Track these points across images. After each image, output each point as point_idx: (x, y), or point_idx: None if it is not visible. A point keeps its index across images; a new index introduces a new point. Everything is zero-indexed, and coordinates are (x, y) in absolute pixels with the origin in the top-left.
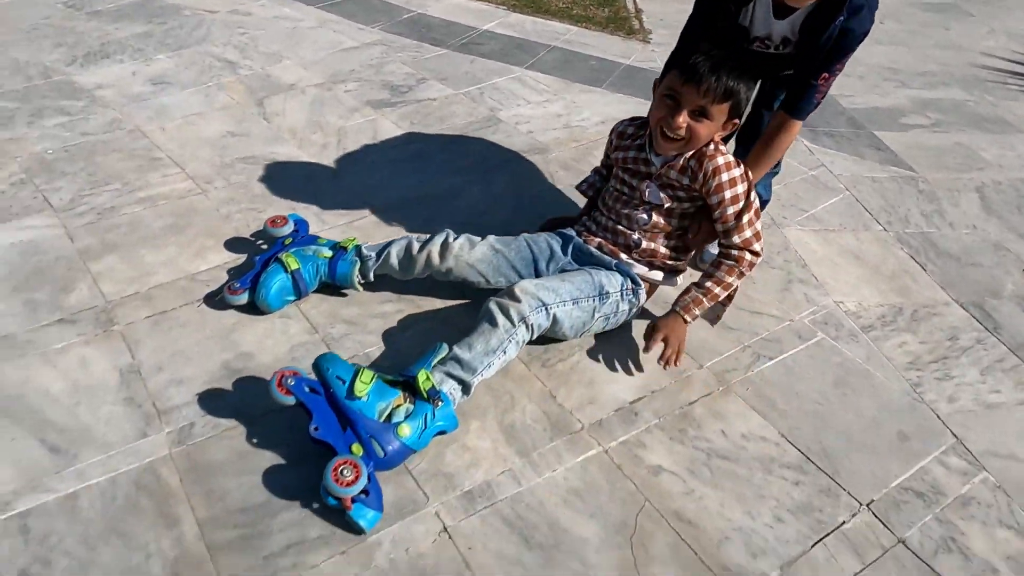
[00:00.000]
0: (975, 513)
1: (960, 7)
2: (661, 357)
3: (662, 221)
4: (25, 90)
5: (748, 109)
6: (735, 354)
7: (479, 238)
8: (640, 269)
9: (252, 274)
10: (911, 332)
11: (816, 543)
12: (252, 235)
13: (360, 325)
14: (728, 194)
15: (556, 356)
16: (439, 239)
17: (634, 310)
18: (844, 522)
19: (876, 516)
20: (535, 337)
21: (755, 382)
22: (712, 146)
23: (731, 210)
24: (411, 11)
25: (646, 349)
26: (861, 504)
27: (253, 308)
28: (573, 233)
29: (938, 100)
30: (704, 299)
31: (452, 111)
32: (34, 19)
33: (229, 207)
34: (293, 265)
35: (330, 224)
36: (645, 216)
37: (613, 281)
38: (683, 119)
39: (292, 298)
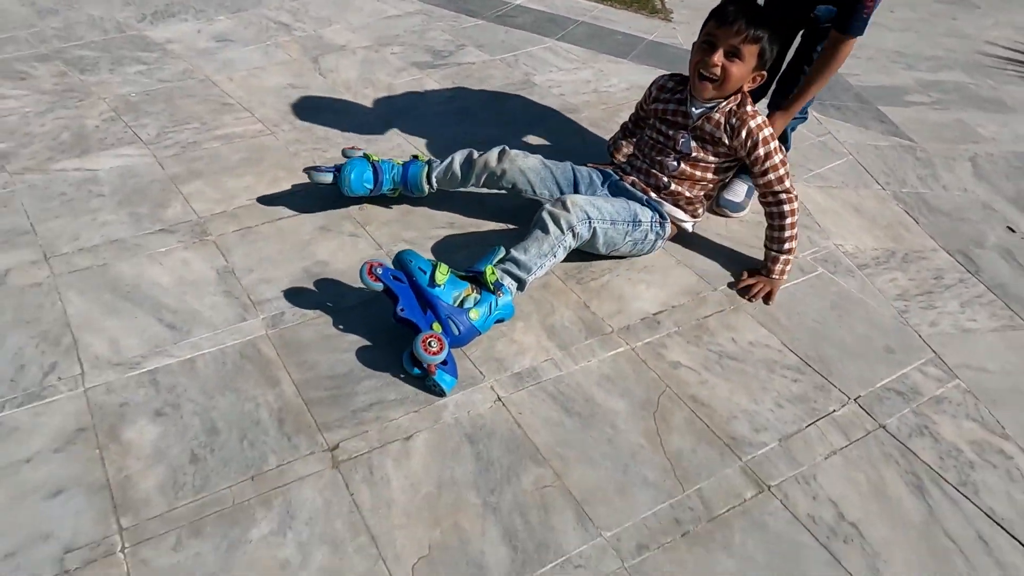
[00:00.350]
0: (946, 409)
1: (969, 0)
2: (748, 291)
3: (689, 169)
4: (104, 42)
5: (783, 67)
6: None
7: (530, 153)
8: (668, 208)
9: (335, 167)
10: (901, 271)
11: (810, 424)
12: (323, 163)
13: (418, 245)
14: (762, 151)
15: (589, 275)
16: (497, 148)
17: (659, 242)
18: (834, 410)
19: (862, 407)
20: (577, 245)
21: (760, 303)
22: (749, 107)
23: (768, 163)
24: None
25: (740, 282)
26: (849, 398)
27: (325, 228)
28: (610, 171)
29: (941, 82)
30: (783, 255)
31: (490, 74)
32: None
33: (297, 146)
34: (374, 158)
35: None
36: (675, 163)
37: (645, 213)
38: (718, 58)
39: (370, 186)
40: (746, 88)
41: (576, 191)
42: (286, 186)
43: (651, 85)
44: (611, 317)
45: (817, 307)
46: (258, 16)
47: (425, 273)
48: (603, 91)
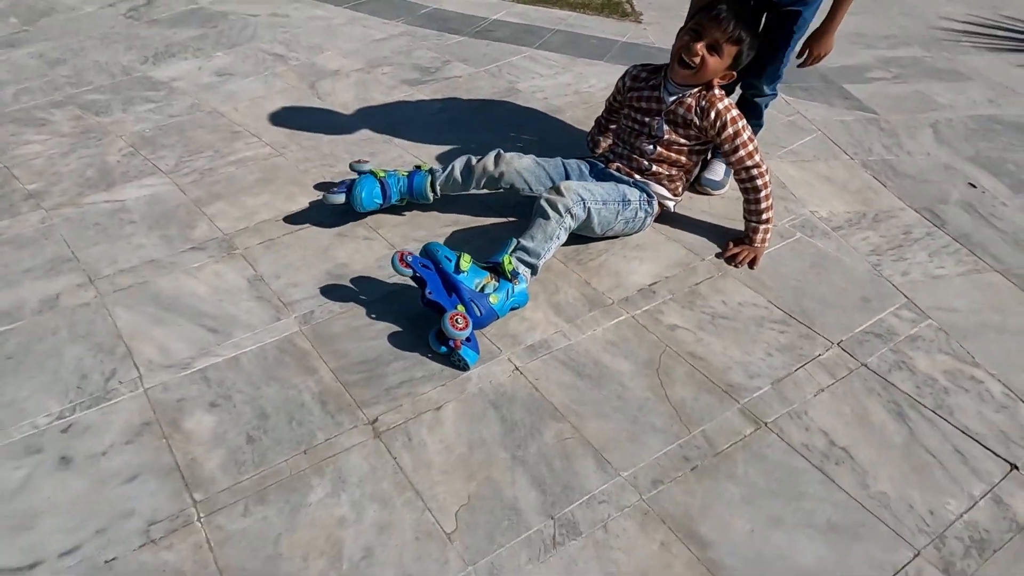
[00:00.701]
0: (920, 345)
1: None
2: (736, 258)
3: (665, 151)
4: (113, 84)
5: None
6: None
7: (523, 154)
8: (654, 187)
9: (349, 182)
10: (873, 230)
11: (798, 368)
12: (331, 178)
13: (427, 238)
14: (731, 130)
15: (587, 256)
16: (493, 153)
17: (648, 219)
18: (820, 354)
19: (844, 350)
20: (576, 227)
21: (747, 268)
22: (717, 91)
23: (738, 140)
24: (428, 7)
25: (726, 251)
26: (832, 343)
27: (341, 235)
28: (596, 160)
29: (899, 58)
30: (762, 226)
31: (476, 85)
32: (102, 29)
33: (306, 164)
34: (381, 175)
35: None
36: (651, 147)
37: (633, 193)
38: (700, 47)
39: (379, 201)
40: (715, 83)
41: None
42: (301, 200)
43: (624, 75)
44: (611, 291)
45: (798, 268)
46: (253, 50)
47: (451, 261)
48: (583, 91)
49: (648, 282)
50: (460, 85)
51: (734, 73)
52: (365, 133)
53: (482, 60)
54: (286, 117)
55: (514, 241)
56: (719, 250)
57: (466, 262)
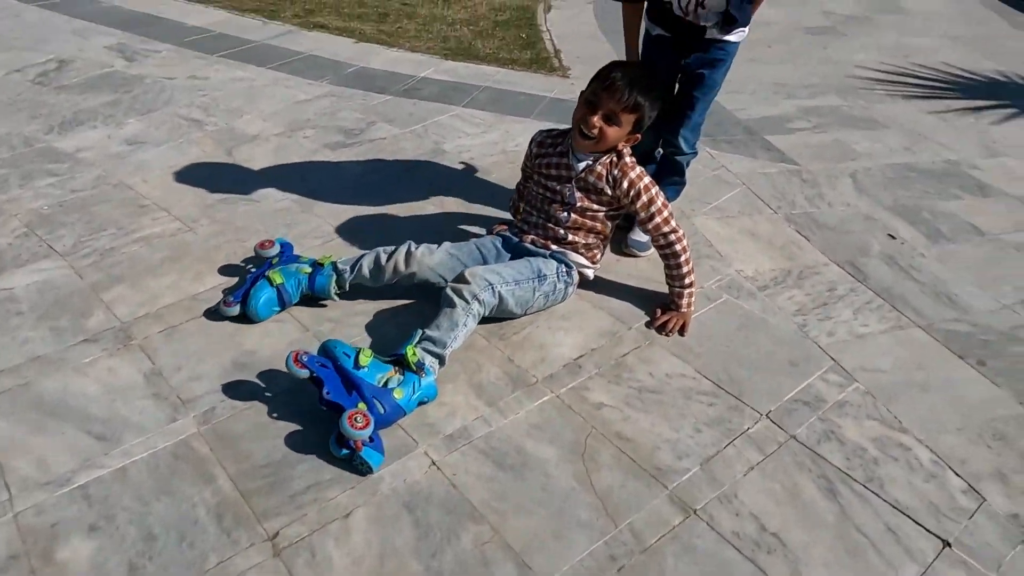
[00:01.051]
0: (848, 411)
1: (836, 29)
2: (665, 328)
3: (579, 219)
4: (12, 157)
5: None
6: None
7: (436, 245)
8: (572, 256)
9: (243, 290)
10: (798, 288)
11: (727, 444)
12: (242, 261)
13: (343, 323)
14: (645, 198)
15: (511, 330)
16: (403, 248)
17: (570, 289)
18: (748, 428)
19: (773, 422)
20: (487, 312)
21: (676, 335)
22: (628, 158)
23: (653, 208)
24: (355, 65)
25: (654, 321)
26: (761, 414)
27: (247, 318)
28: (510, 234)
29: (818, 107)
30: (686, 290)
31: (401, 147)
32: (7, 96)
33: (217, 239)
34: (278, 280)
35: (306, 247)
36: (565, 215)
37: (549, 266)
38: (597, 120)
39: (278, 309)
40: (621, 147)
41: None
42: (209, 280)
43: (530, 143)
44: (535, 367)
45: (725, 331)
46: (168, 115)
47: (350, 357)
48: (510, 150)
49: (574, 355)
50: (385, 147)
51: (638, 136)
52: (283, 203)
53: (408, 120)
54: (199, 188)
55: (419, 331)
56: (646, 317)
57: (366, 357)
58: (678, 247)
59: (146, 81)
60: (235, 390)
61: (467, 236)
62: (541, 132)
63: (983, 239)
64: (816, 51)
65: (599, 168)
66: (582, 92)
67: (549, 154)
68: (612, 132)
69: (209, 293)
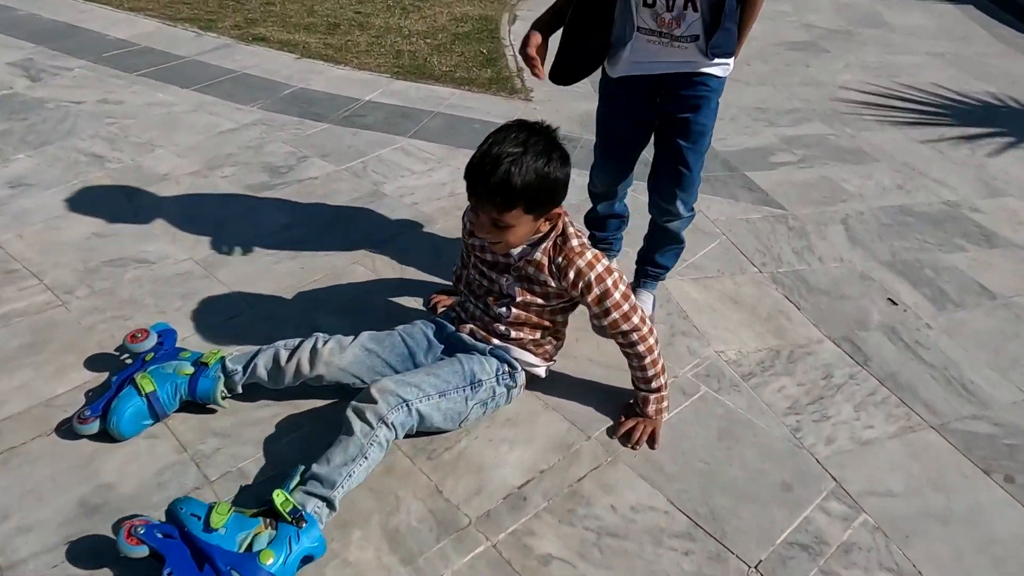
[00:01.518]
0: (857, 560)
1: (818, 44)
2: (631, 440)
3: (522, 314)
4: None
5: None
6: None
7: (350, 338)
8: (517, 352)
9: (105, 399)
10: (788, 375)
11: None
12: (117, 348)
13: (234, 436)
14: (598, 291)
15: (442, 445)
16: (307, 345)
17: (515, 392)
18: None
19: None
20: (402, 436)
21: (643, 450)
22: (574, 241)
23: (609, 302)
24: (292, 86)
25: (618, 428)
26: (750, 567)
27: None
28: (445, 321)
29: (803, 136)
30: (654, 395)
31: (335, 188)
32: None
33: (92, 317)
34: (148, 388)
35: (204, 326)
36: (505, 309)
37: (487, 367)
38: (486, 232)
39: (149, 422)
40: (562, 224)
41: (415, 363)
42: (73, 377)
43: (464, 215)
44: (468, 501)
45: (704, 440)
46: (67, 149)
47: (199, 519)
48: (459, 193)
49: (518, 481)
50: (315, 189)
51: (558, 211)
52: (183, 264)
53: (345, 155)
54: (84, 246)
55: (301, 467)
56: (609, 421)
57: (221, 515)
58: (642, 347)
59: (47, 106)
60: (75, 550)
61: (399, 306)
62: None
63: (994, 304)
64: (798, 70)
65: (539, 256)
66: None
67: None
68: (511, 235)
69: (69, 396)
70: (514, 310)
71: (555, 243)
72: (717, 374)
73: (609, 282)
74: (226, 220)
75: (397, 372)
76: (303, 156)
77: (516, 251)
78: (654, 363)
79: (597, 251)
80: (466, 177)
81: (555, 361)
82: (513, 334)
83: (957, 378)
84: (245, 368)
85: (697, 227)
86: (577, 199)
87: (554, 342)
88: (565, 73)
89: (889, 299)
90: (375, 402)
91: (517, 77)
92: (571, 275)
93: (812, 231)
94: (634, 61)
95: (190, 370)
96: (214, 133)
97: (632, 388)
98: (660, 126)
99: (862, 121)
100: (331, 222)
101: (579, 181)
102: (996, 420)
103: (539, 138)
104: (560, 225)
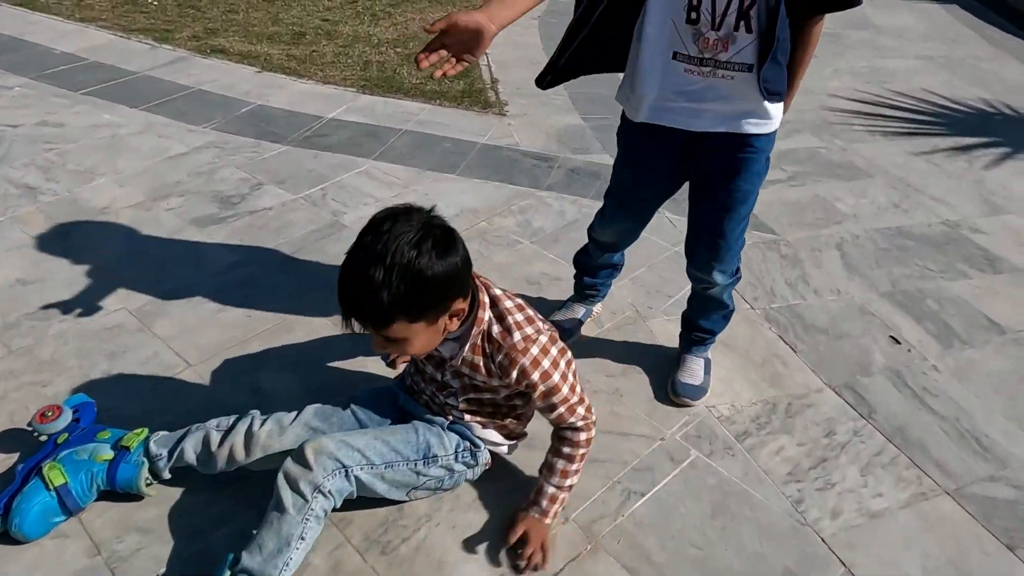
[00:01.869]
0: None
1: None
2: (522, 557)
3: (476, 398)
4: None
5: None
6: (603, 496)
7: (292, 415)
8: (479, 431)
9: (8, 493)
10: (787, 432)
11: None
12: (29, 424)
13: (158, 532)
14: (543, 388)
15: (398, 535)
16: (242, 427)
17: (476, 470)
18: None
19: None
20: (339, 504)
21: (627, 529)
22: (516, 334)
23: (556, 398)
24: (251, 103)
25: (507, 542)
26: None
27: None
28: (399, 391)
29: (794, 150)
30: (562, 493)
31: (290, 220)
32: None
33: (6, 384)
34: (58, 480)
35: (131, 391)
36: (453, 399)
37: (445, 443)
38: (381, 348)
39: (60, 519)
40: (454, 328)
41: None
42: None
43: None
44: None
45: (696, 518)
46: None
47: None
48: None
49: None
50: (268, 222)
51: (463, 302)
52: (116, 315)
53: (304, 181)
54: (6, 295)
55: (230, 557)
56: (588, 499)
57: None
58: (582, 436)
59: None
60: None
61: (355, 364)
62: None
63: (1004, 340)
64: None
65: (473, 358)
66: None
67: None
68: (412, 346)
69: None
70: (463, 401)
71: (488, 335)
72: (708, 435)
73: (556, 377)
74: (167, 261)
75: None
76: (257, 183)
77: (443, 350)
78: (583, 457)
79: (541, 335)
80: (341, 304)
81: (525, 435)
82: (467, 418)
83: (970, 431)
84: (171, 452)
85: (682, 256)
86: (554, 226)
87: (515, 422)
88: (561, 70)
89: (891, 337)
90: (310, 467)
91: (491, 89)
92: (514, 374)
93: (806, 258)
94: (665, 106)
95: (109, 455)
96: (162, 158)
97: (539, 477)
98: (694, 184)
99: (853, 132)
100: (284, 260)
101: (557, 206)
102: (1016, 481)
103: (406, 229)
104: (483, 314)
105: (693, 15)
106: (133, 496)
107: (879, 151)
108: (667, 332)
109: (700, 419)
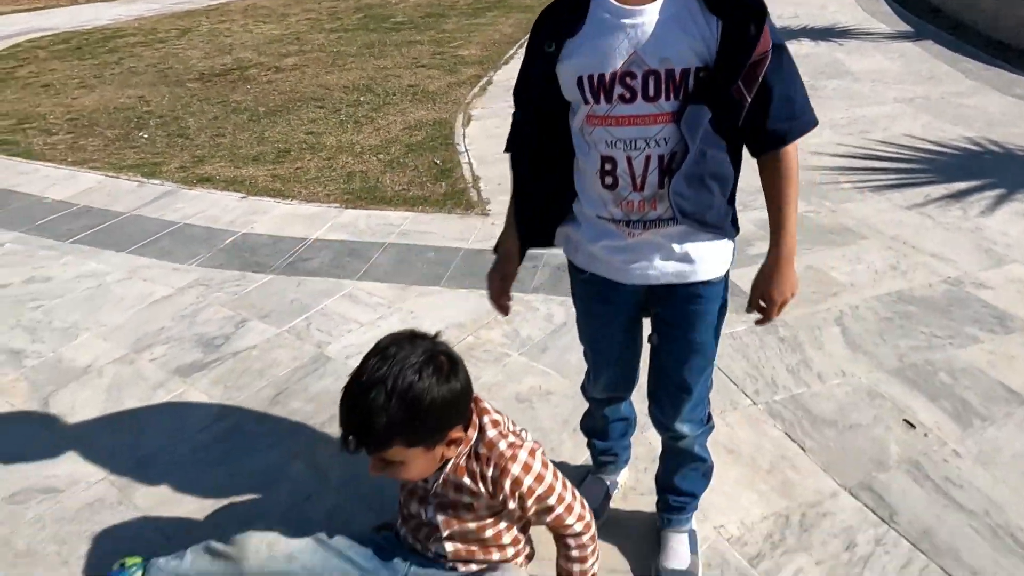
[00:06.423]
0: None
1: None
2: None
3: (461, 547)
4: None
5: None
6: None
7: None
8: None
9: None
10: (804, 550)
11: None
12: None
13: None
14: (532, 502)
15: None
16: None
17: None
18: None
19: None
20: None
21: None
22: (502, 444)
23: (547, 504)
24: (235, 233)
25: None
26: None
27: None
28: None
29: None
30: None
31: (274, 359)
32: None
33: None
34: None
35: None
36: (440, 545)
37: None
38: (378, 471)
39: None
40: (451, 455)
41: None
42: None
43: None
44: None
45: None
46: None
47: None
48: None
49: None
50: (251, 364)
51: (461, 434)
52: (95, 489)
53: (288, 312)
54: None
55: None
56: None
57: None
58: (585, 538)
59: None
60: None
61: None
62: None
63: None
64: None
65: (458, 478)
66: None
67: None
68: (408, 471)
69: None
70: (453, 545)
71: (473, 453)
72: (720, 562)
73: (549, 476)
74: (149, 420)
75: None
76: (241, 320)
77: (430, 477)
78: (594, 551)
79: (523, 443)
80: (342, 427)
81: (529, 554)
82: (461, 568)
83: (1003, 526)
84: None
85: None
86: (542, 333)
87: (521, 547)
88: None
89: (905, 420)
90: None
91: (472, 188)
92: (507, 484)
93: (806, 340)
94: (602, 257)
95: None
96: (146, 304)
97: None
98: (652, 326)
99: (841, 191)
100: (267, 406)
101: (544, 309)
102: None
103: (410, 354)
104: (471, 433)
105: (608, 180)
106: None
107: (870, 209)
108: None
109: (709, 543)
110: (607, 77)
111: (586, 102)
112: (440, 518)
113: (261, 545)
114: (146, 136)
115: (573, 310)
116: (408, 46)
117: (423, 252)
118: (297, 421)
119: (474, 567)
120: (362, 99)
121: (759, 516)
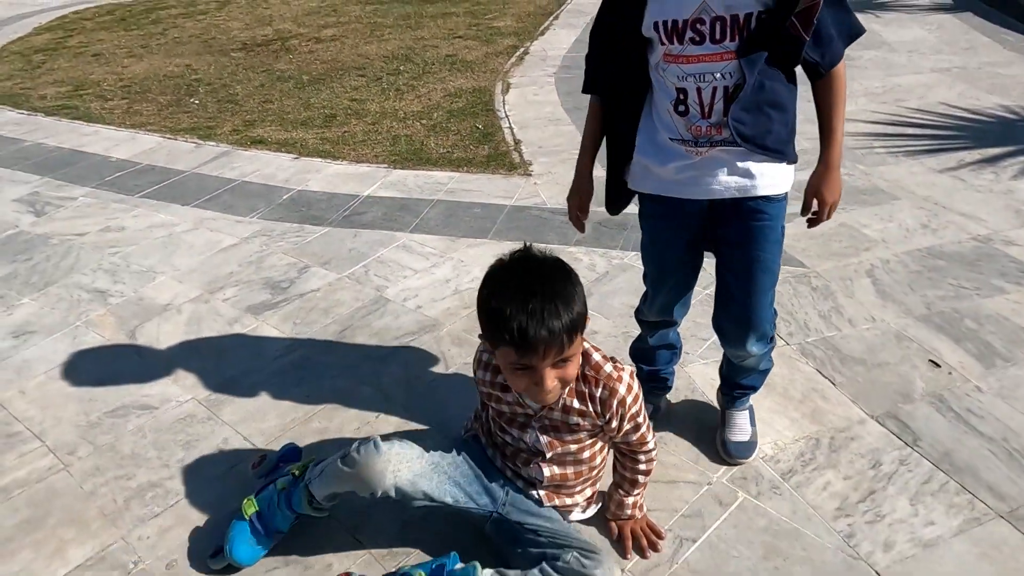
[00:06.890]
0: None
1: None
2: (644, 550)
3: (559, 470)
4: None
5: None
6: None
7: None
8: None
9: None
10: (833, 467)
11: None
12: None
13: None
14: (631, 420)
15: None
16: (376, 462)
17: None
18: None
19: None
20: None
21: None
22: (608, 367)
23: (640, 419)
24: (291, 190)
25: (626, 553)
26: None
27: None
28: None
29: None
30: (641, 498)
31: (336, 300)
32: None
33: (94, 479)
34: (250, 510)
35: (210, 476)
36: (539, 472)
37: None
38: (551, 382)
39: (266, 550)
40: (600, 358)
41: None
42: (72, 555)
43: (474, 362)
44: None
45: (749, 561)
46: (69, 288)
47: None
48: (464, 290)
49: None
50: (316, 303)
51: (583, 350)
52: (185, 407)
53: (347, 260)
54: (86, 396)
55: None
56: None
57: None
58: (654, 451)
59: (51, 242)
60: None
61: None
62: (482, 347)
63: None
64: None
65: (571, 401)
66: (490, 353)
67: (492, 382)
68: (571, 368)
69: None
70: (551, 469)
71: (581, 375)
72: (755, 476)
73: (639, 405)
74: (228, 350)
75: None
76: (304, 267)
77: (534, 402)
78: (648, 471)
79: (623, 366)
80: (516, 343)
81: (598, 502)
82: (546, 503)
83: (1020, 450)
84: (319, 479)
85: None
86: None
87: (593, 479)
88: (617, 201)
89: (931, 360)
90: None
91: (514, 151)
92: (614, 405)
93: (838, 289)
94: (671, 178)
95: (284, 484)
96: (215, 251)
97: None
98: (716, 255)
99: (875, 155)
100: (332, 341)
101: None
102: None
103: (542, 257)
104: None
105: (681, 108)
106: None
107: (903, 172)
108: (704, 376)
109: (745, 461)
110: (680, 23)
111: (661, 43)
112: (544, 439)
113: (387, 468)
114: (197, 102)
115: (615, 261)
116: (444, 18)
117: (470, 208)
118: (363, 354)
119: (557, 501)
120: (402, 68)
121: (791, 438)
